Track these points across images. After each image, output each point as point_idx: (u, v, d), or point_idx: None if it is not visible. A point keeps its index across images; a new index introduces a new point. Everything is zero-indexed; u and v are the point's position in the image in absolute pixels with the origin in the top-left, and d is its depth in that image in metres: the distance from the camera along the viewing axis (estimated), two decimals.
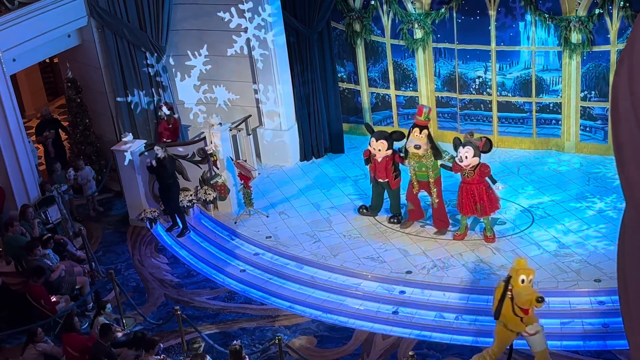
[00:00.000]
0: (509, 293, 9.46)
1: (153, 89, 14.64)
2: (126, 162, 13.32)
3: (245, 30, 13.96)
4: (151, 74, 14.54)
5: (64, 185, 13.84)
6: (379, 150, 12.39)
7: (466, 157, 11.61)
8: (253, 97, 14.63)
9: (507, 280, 9.57)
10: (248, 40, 14.06)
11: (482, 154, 11.71)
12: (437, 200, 12.33)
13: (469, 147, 11.62)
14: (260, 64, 14.19)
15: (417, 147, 12.03)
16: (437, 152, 12.19)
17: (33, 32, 13.33)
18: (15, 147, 13.16)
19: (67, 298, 11.95)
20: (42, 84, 18.60)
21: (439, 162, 12.28)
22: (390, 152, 12.42)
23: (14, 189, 13.32)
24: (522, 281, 9.41)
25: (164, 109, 14.19)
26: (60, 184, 13.84)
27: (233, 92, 14.61)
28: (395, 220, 12.87)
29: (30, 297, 11.60)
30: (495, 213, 12.21)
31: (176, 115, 14.45)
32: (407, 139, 12.23)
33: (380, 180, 12.66)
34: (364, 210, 13.15)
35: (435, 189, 12.27)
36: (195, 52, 14.30)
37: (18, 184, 13.35)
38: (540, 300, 9.28)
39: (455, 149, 11.86)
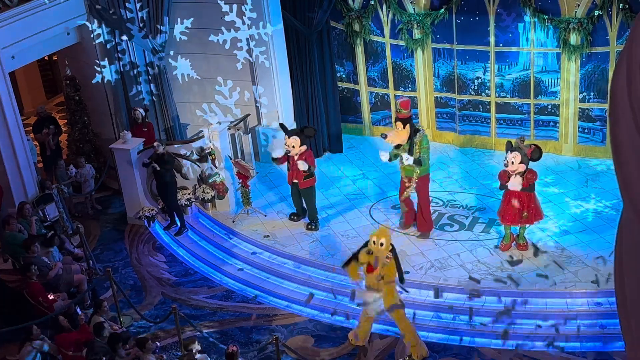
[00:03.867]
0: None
1: (152, 87, 14.64)
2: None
3: (245, 28, 13.96)
4: (150, 72, 14.54)
5: (68, 185, 13.86)
6: (293, 147, 12.31)
7: (512, 163, 11.34)
8: (252, 96, 14.63)
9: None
10: (247, 39, 14.07)
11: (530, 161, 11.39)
12: (409, 193, 12.05)
13: (517, 152, 11.32)
14: (260, 62, 14.19)
15: (384, 136, 11.84)
16: (410, 148, 11.73)
17: (32, 30, 13.32)
18: (13, 145, 13.16)
19: (65, 296, 11.94)
20: (41, 81, 18.60)
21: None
22: (304, 148, 12.36)
23: (12, 187, 13.31)
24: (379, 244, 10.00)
25: (140, 110, 14.20)
26: (63, 181, 13.86)
27: (232, 91, 14.62)
28: (313, 227, 12.82)
29: (28, 294, 11.59)
30: (539, 222, 11.95)
31: (142, 113, 14.39)
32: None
33: (294, 181, 12.62)
34: (294, 217, 13.08)
35: (414, 184, 11.93)
36: (194, 50, 14.30)
37: (16, 182, 13.34)
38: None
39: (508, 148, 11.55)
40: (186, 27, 14.29)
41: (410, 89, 15.07)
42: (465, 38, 14.26)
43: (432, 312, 11.22)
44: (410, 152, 11.75)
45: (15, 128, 13.17)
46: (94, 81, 14.59)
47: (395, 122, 11.95)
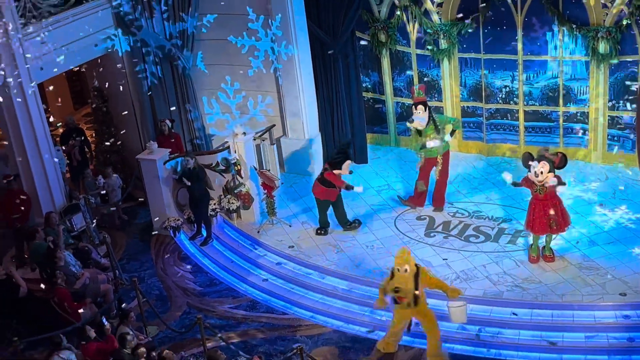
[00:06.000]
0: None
1: (178, 98, 14.73)
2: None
3: (270, 39, 14.01)
4: (176, 84, 14.62)
5: (95, 196, 13.99)
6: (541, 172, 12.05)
7: (542, 173, 11.27)
8: (277, 107, 14.66)
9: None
10: (272, 50, 14.11)
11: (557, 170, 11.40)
12: (439, 174, 13.01)
13: (544, 162, 11.28)
14: (284, 73, 14.22)
15: (411, 121, 12.88)
16: (436, 127, 12.85)
17: (60, 41, 13.45)
18: (41, 155, 13.30)
19: (92, 305, 12.02)
20: (69, 92, 18.78)
21: (509, 181, 12.07)
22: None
23: (40, 197, 13.45)
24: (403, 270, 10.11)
25: (167, 122, 14.29)
26: (90, 190, 13.98)
27: (257, 102, 14.66)
28: (323, 232, 13.08)
29: (55, 302, 11.68)
30: (567, 230, 11.87)
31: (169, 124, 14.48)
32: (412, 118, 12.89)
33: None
34: (322, 232, 13.13)
35: (441, 162, 12.93)
36: (220, 62, 14.36)
37: (44, 192, 13.48)
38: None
39: (525, 163, 11.57)
40: (208, 22, 14.33)
41: (436, 98, 15.00)
42: (492, 47, 14.19)
43: (458, 323, 11.12)
44: (437, 132, 12.83)
45: (43, 139, 13.31)
46: (144, 89, 14.66)
47: (416, 106, 12.77)
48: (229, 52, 14.41)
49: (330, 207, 12.99)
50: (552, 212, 11.40)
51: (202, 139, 15.09)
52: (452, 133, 13.17)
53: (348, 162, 12.76)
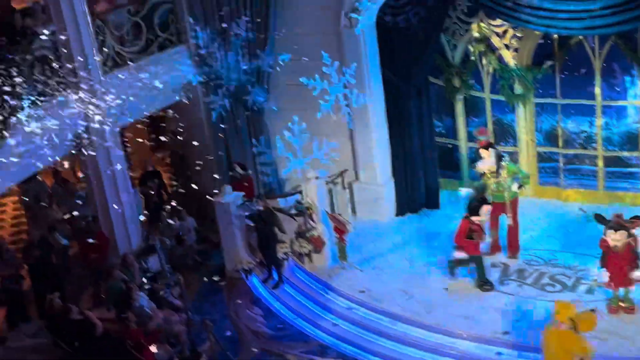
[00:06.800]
0: None
1: (251, 136, 14.91)
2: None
3: (343, 85, 14.12)
4: (249, 123, 14.81)
5: (170, 237, 14.24)
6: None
7: (618, 240, 11.17)
8: (349, 151, 14.70)
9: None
10: (345, 96, 14.20)
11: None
12: (511, 221, 12.79)
13: (622, 231, 11.17)
14: (357, 119, 14.29)
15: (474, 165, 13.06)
16: (497, 169, 12.78)
17: (141, 87, 13.88)
18: (120, 197, 13.65)
19: (165, 346, 12.14)
20: (148, 136, 19.26)
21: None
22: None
23: (117, 238, 13.78)
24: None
25: (237, 168, 14.46)
26: (166, 232, 14.24)
27: (329, 146, 14.73)
28: (489, 287, 12.57)
29: (130, 344, 11.85)
30: None
31: (246, 172, 14.65)
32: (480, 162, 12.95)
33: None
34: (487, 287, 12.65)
35: (511, 210, 12.70)
36: (289, 101, 14.53)
37: (121, 233, 13.81)
38: None
39: (599, 222, 11.50)
40: (282, 61, 14.49)
41: (511, 143, 14.82)
42: (569, 92, 14.01)
43: None
44: (497, 175, 12.76)
45: (122, 181, 13.68)
46: (213, 119, 14.89)
47: (481, 150, 12.89)
48: (299, 93, 14.55)
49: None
50: (637, 273, 11.19)
51: (275, 182, 15.22)
52: (519, 187, 12.97)
53: (485, 206, 12.31)
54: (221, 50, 14.44)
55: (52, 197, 15.06)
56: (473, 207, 12.23)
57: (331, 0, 13.71)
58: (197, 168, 15.52)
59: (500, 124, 14.82)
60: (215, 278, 14.31)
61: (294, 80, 14.39)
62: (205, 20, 14.32)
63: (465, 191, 12.88)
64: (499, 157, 12.84)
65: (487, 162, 12.79)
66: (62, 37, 12.70)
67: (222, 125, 14.99)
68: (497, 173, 12.74)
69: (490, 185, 12.81)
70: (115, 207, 13.68)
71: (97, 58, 13.20)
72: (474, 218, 12.22)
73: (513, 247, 13.17)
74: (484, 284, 12.52)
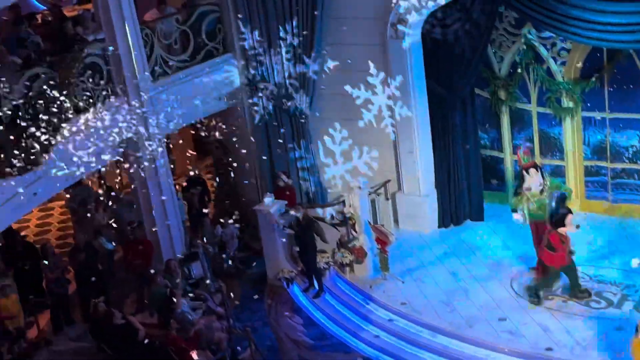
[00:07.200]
0: None
1: (295, 146, 14.97)
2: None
3: (387, 97, 14.10)
4: (293, 128, 14.88)
5: (213, 244, 14.35)
6: None
7: None
8: (393, 162, 14.67)
9: None
10: (389, 108, 14.17)
11: None
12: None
13: None
14: (401, 129, 14.24)
15: (528, 188, 12.56)
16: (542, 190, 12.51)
17: (187, 95, 14.05)
18: (164, 204, 13.80)
19: (206, 353, 12.22)
20: (192, 142, 19.42)
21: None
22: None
23: (161, 244, 13.93)
24: None
25: (283, 177, 14.49)
26: (209, 239, 14.35)
27: (373, 156, 14.72)
28: (586, 295, 12.34)
29: (172, 349, 11.95)
30: None
31: (290, 181, 14.69)
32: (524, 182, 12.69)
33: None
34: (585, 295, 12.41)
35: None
36: (332, 108, 14.55)
37: (165, 239, 13.95)
38: None
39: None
40: (327, 68, 14.49)
41: (557, 157, 14.63)
42: (618, 106, 13.78)
43: None
44: (542, 194, 12.50)
45: (167, 188, 13.84)
46: (256, 121, 14.97)
47: (526, 170, 12.62)
48: (343, 101, 14.55)
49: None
50: None
51: (315, 189, 15.24)
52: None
53: (571, 216, 12.06)
54: (267, 55, 14.52)
55: (98, 202, 15.28)
56: (559, 219, 11.97)
57: (378, 11, 13.69)
58: (240, 175, 15.65)
59: (546, 136, 14.64)
60: (257, 286, 14.39)
61: (338, 88, 14.42)
62: (252, 24, 14.41)
63: (518, 218, 12.73)
64: (543, 174, 12.68)
65: (533, 182, 12.54)
66: (111, 45, 12.91)
67: (266, 132, 15.06)
68: (541, 192, 12.49)
69: (530, 205, 12.56)
70: (160, 213, 13.83)
71: (145, 66, 13.39)
72: (560, 230, 11.95)
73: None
74: (581, 292, 12.23)
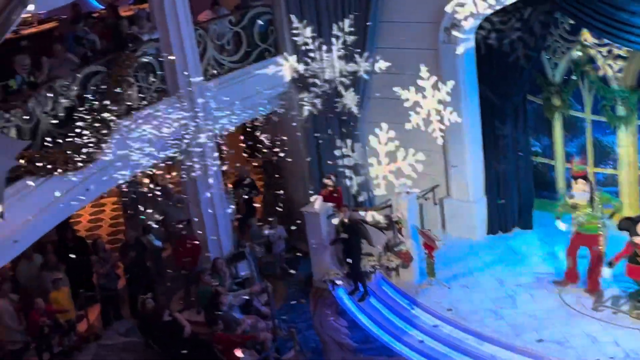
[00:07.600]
0: None
1: (344, 157, 14.98)
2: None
3: (437, 101, 14.02)
4: (344, 139, 14.90)
5: (260, 245, 14.44)
6: None
7: None
8: (442, 167, 14.58)
9: None
10: (438, 112, 14.09)
11: None
12: (598, 254, 12.14)
13: None
14: (451, 134, 14.16)
15: (571, 196, 12.37)
16: (592, 204, 12.26)
17: (239, 96, 14.17)
18: (214, 204, 13.93)
19: (252, 352, 12.30)
20: (242, 144, 19.56)
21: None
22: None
23: (209, 243, 14.06)
24: None
25: (332, 178, 14.52)
26: (256, 240, 14.44)
27: (422, 161, 14.65)
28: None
29: (217, 347, 12.06)
30: None
31: (337, 183, 14.68)
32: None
33: None
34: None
35: (602, 242, 12.11)
36: (380, 109, 14.52)
37: (213, 238, 14.08)
38: None
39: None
40: (379, 68, 14.47)
41: (611, 165, 14.38)
42: None
43: None
44: (592, 208, 12.22)
45: (216, 187, 13.97)
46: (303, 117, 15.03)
47: (576, 180, 12.37)
48: (391, 102, 14.50)
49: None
50: None
51: (366, 195, 15.22)
52: (612, 215, 12.47)
53: None
54: (319, 51, 14.55)
55: (148, 200, 15.50)
56: (632, 224, 11.74)
57: (431, 15, 13.64)
58: (289, 176, 15.73)
59: (599, 145, 14.40)
60: (302, 287, 14.44)
61: (388, 90, 14.40)
62: (305, 21, 14.46)
63: (562, 226, 12.60)
64: (592, 188, 12.39)
65: (582, 193, 12.30)
66: (165, 45, 13.09)
67: (314, 132, 15.10)
68: (591, 204, 12.25)
69: (579, 217, 12.33)
70: (209, 212, 13.98)
71: (198, 66, 13.54)
72: (636, 240, 11.69)
73: (593, 284, 12.47)
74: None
